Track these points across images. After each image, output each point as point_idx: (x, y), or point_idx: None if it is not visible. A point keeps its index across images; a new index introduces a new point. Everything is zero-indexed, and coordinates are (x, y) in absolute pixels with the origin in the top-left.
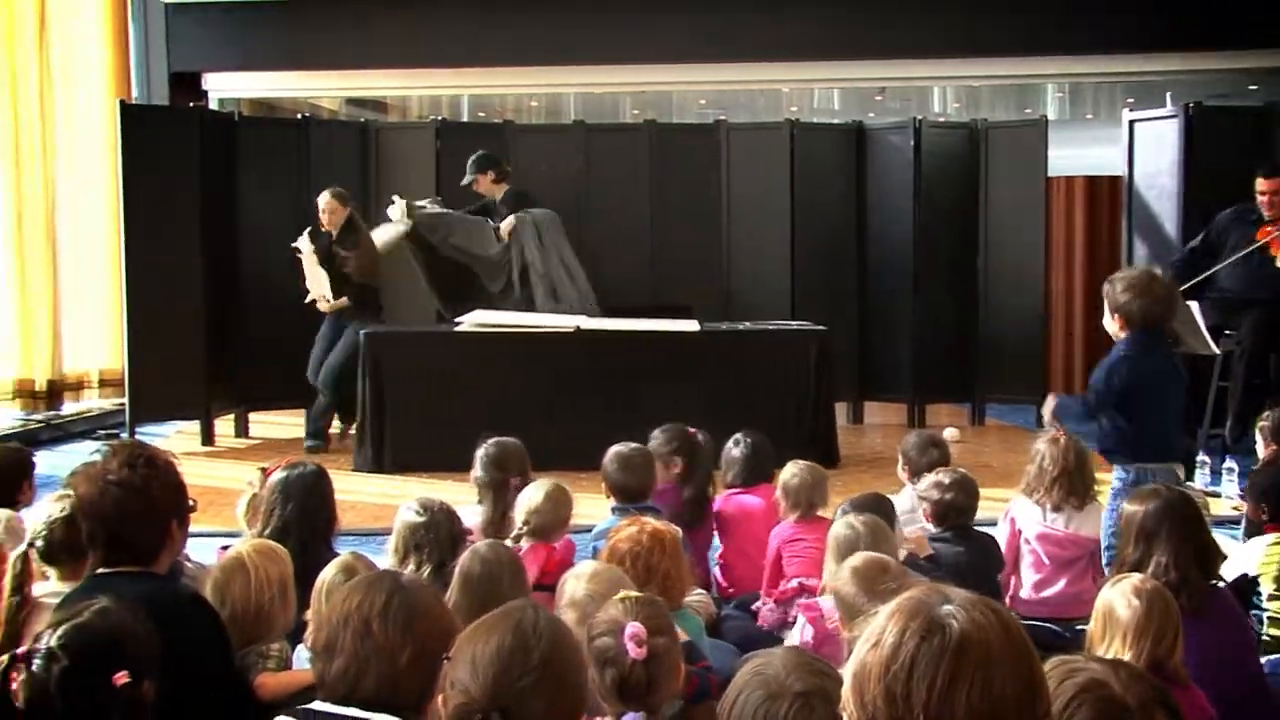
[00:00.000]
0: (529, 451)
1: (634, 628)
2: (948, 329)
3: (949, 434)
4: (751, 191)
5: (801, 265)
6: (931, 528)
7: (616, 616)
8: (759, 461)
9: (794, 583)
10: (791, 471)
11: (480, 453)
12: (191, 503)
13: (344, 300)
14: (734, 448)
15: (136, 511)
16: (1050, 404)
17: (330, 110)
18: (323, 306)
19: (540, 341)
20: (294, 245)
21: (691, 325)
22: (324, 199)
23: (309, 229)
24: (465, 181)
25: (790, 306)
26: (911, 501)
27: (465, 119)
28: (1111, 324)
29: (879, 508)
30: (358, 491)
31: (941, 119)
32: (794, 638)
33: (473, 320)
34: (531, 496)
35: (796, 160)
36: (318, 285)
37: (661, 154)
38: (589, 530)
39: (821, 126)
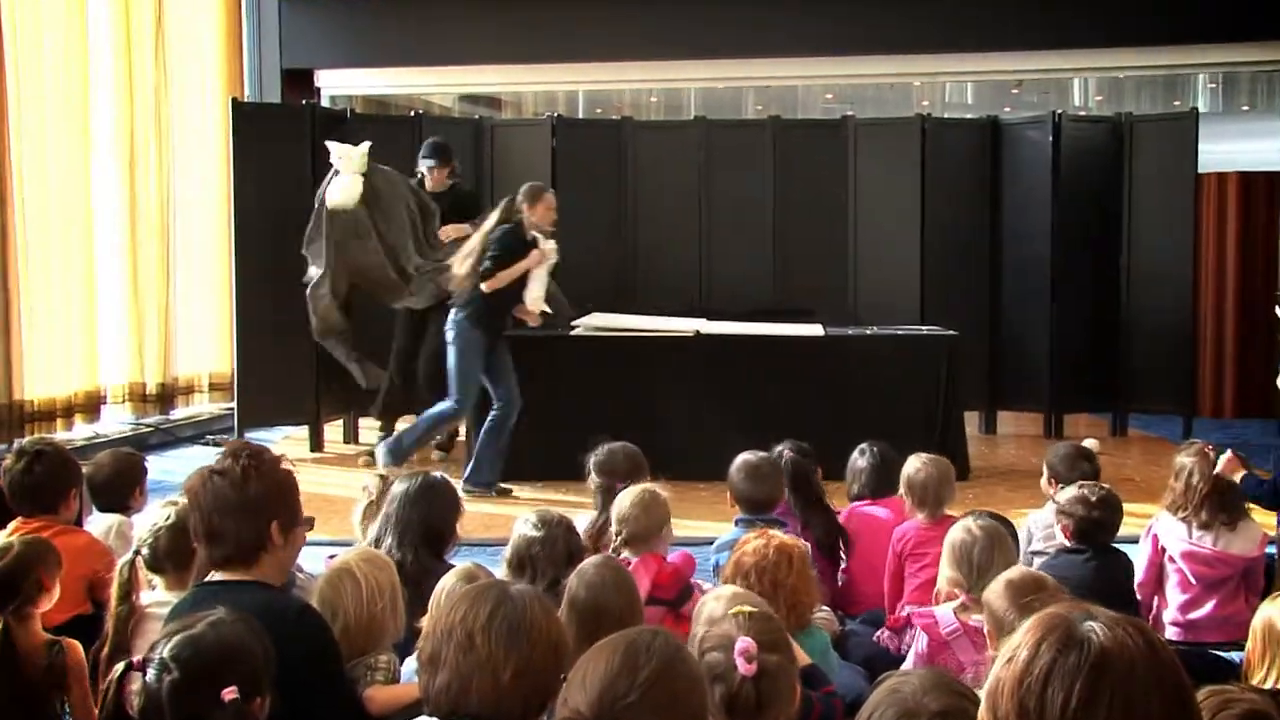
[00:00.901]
0: (647, 460)
1: (744, 643)
2: (1087, 335)
3: (1088, 445)
4: (879, 190)
5: (932, 266)
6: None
7: (729, 631)
8: (886, 472)
9: (905, 610)
10: (916, 465)
11: (591, 458)
12: (309, 518)
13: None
14: (860, 458)
15: (232, 504)
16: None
17: (443, 108)
18: (535, 320)
19: (659, 346)
20: (542, 248)
21: (815, 330)
22: (550, 198)
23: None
24: (424, 169)
25: (919, 310)
26: (1053, 516)
27: (581, 115)
28: None
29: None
30: (466, 497)
31: (1083, 113)
32: (911, 650)
33: (588, 323)
34: (620, 504)
35: (927, 157)
36: (538, 294)
37: (785, 151)
38: (709, 543)
39: (954, 122)
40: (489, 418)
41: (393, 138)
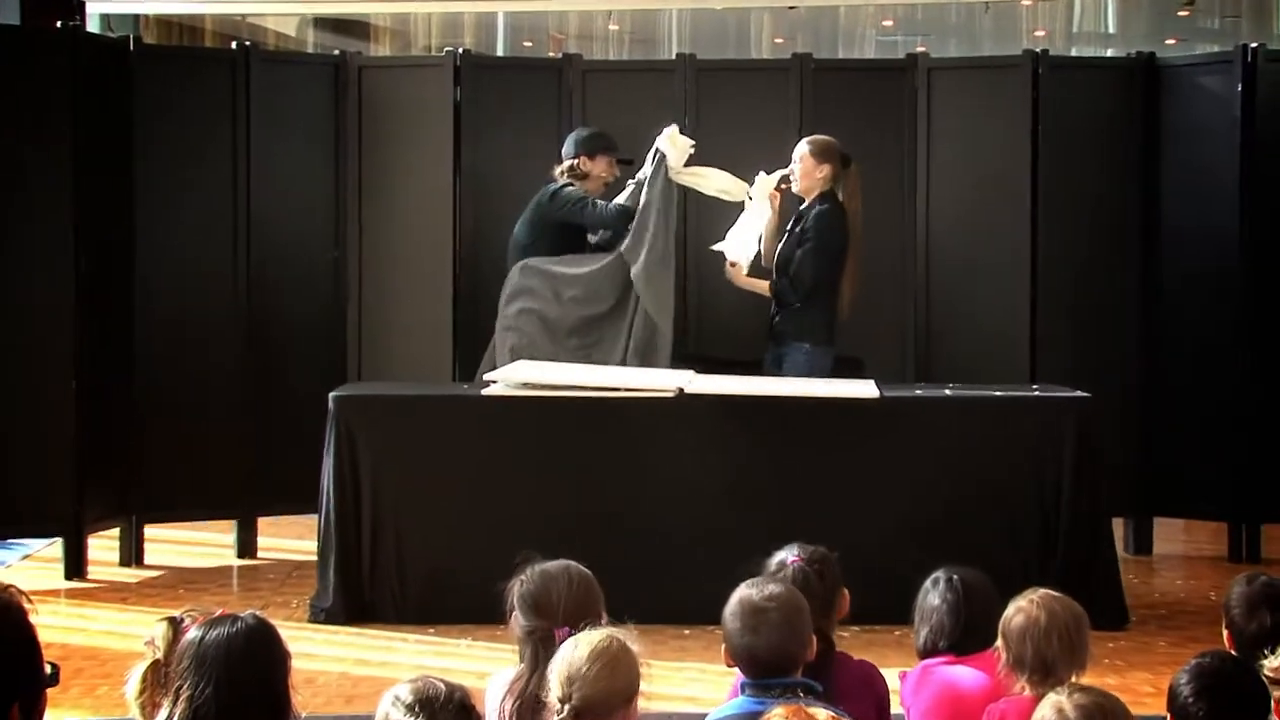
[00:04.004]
0: (603, 590)
1: None
2: None
3: None
4: (963, 164)
5: (1049, 288)
6: None
7: None
8: (974, 614)
9: None
10: (1019, 606)
11: (515, 589)
12: (49, 669)
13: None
14: (932, 592)
15: None
16: None
17: (283, 36)
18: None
19: (621, 412)
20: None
21: (865, 389)
22: (800, 149)
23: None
24: (565, 170)
25: (1029, 357)
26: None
27: (501, 51)
28: None
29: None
30: (318, 656)
31: None
32: None
33: (510, 377)
34: (570, 659)
35: (1042, 115)
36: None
37: (818, 107)
38: None
39: (1086, 61)
40: None
41: (203, 80)
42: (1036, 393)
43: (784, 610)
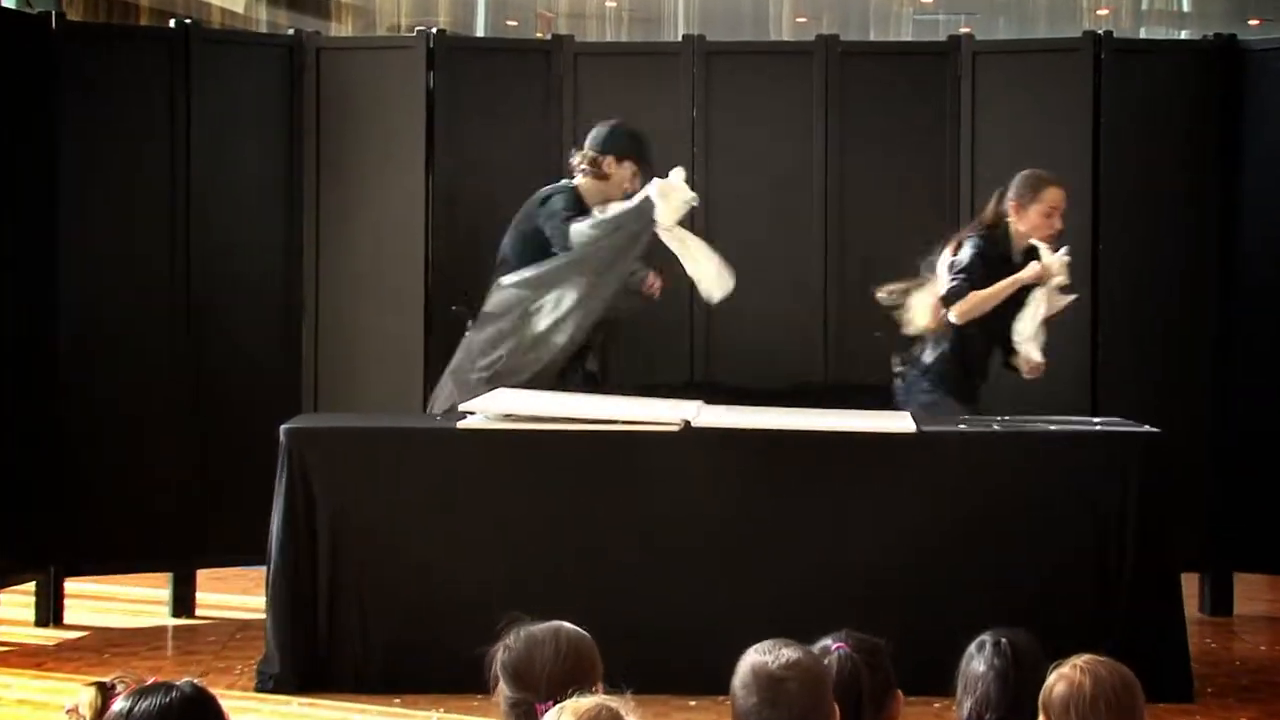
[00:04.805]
0: (601, 655)
1: None
2: None
3: None
4: (1014, 162)
5: (1112, 304)
6: None
7: None
8: (1026, 683)
9: None
10: (1060, 675)
11: (499, 655)
12: None
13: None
14: (978, 658)
15: None
16: None
17: (230, 13)
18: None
19: (619, 448)
20: (1044, 256)
21: (901, 422)
22: (1064, 195)
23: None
24: (584, 160)
25: (1089, 386)
26: None
27: (482, 31)
28: None
29: None
30: None
31: None
32: None
33: (490, 408)
34: None
35: (1105, 105)
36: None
37: (846, 95)
38: None
39: (1156, 45)
40: None
41: (137, 63)
42: (1097, 427)
43: (804, 680)
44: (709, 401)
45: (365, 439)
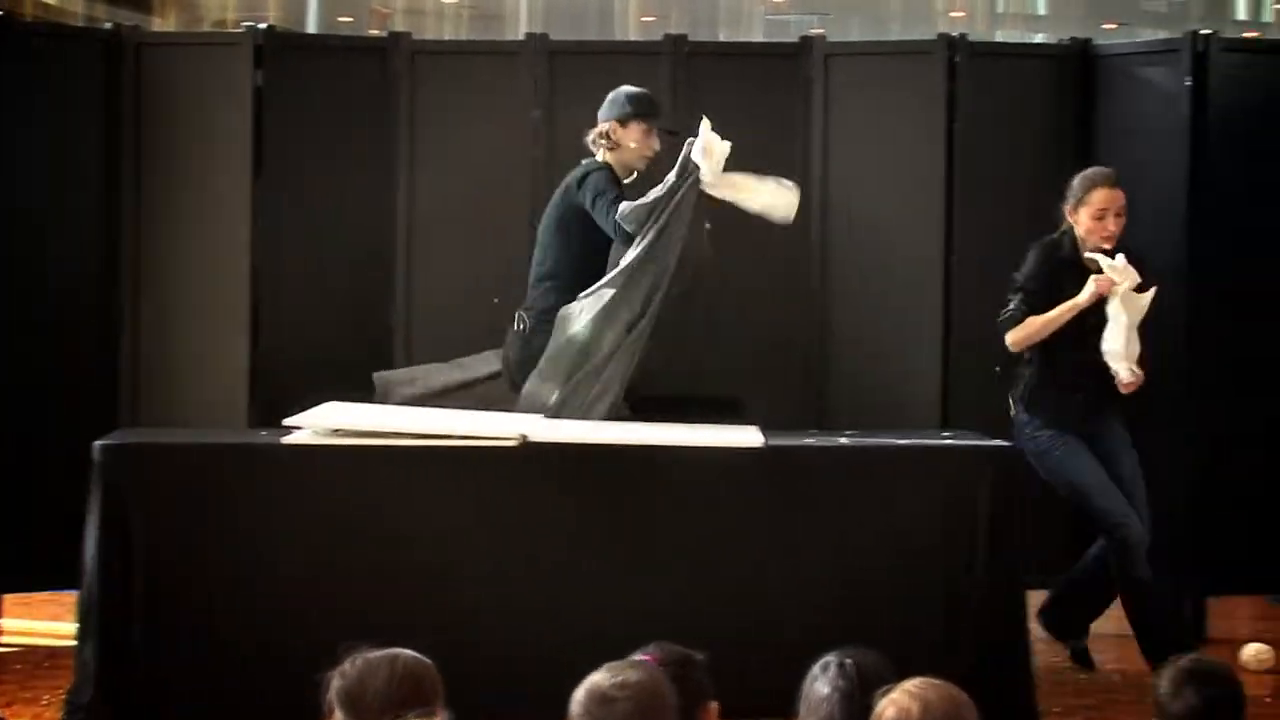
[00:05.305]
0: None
1: None
2: (1255, 448)
3: (1251, 656)
4: (865, 166)
5: (964, 316)
6: None
7: None
8: (871, 705)
9: None
10: (890, 699)
11: (334, 683)
12: None
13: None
14: (821, 679)
15: None
16: None
17: (42, 5)
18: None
19: (454, 463)
20: (1104, 269)
21: (747, 437)
22: (1114, 195)
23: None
24: (597, 136)
25: (940, 397)
26: None
27: (313, 28)
28: None
29: None
30: None
31: (1250, 35)
32: None
33: (317, 422)
34: None
35: (960, 110)
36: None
37: (692, 95)
38: None
39: (1011, 49)
40: None
41: None
42: (948, 441)
43: (637, 700)
44: (552, 414)
45: (186, 456)
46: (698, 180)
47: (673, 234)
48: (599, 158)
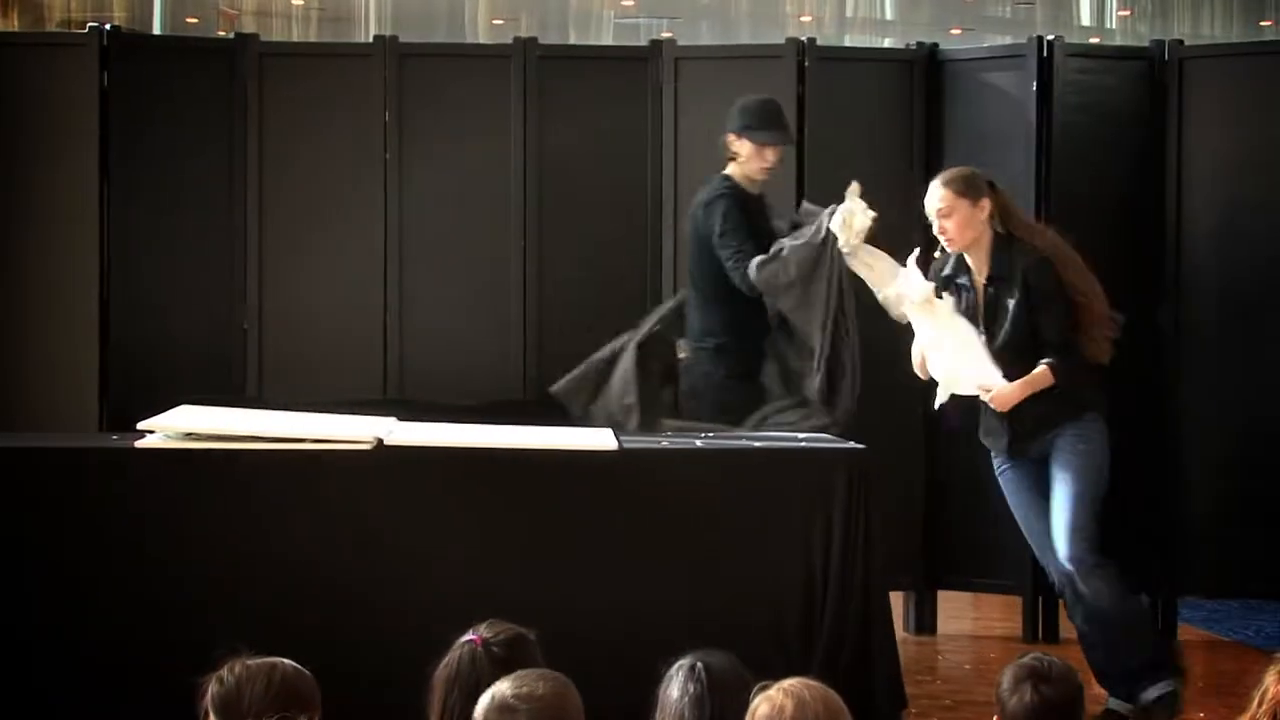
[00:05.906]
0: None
1: None
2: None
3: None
4: (716, 167)
5: None
6: None
7: None
8: (724, 709)
9: None
10: (764, 697)
11: (210, 689)
12: None
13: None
14: (674, 682)
15: None
16: None
17: None
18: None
19: (308, 468)
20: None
21: (601, 440)
22: (940, 194)
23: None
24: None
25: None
26: None
27: (158, 29)
28: None
29: None
30: None
31: (1094, 41)
32: None
33: (169, 425)
34: None
35: (809, 114)
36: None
37: (545, 102)
38: None
39: (859, 53)
40: None
41: None
42: (803, 443)
43: (538, 711)
44: (405, 416)
45: (31, 460)
46: (836, 249)
47: (820, 298)
48: (729, 170)
